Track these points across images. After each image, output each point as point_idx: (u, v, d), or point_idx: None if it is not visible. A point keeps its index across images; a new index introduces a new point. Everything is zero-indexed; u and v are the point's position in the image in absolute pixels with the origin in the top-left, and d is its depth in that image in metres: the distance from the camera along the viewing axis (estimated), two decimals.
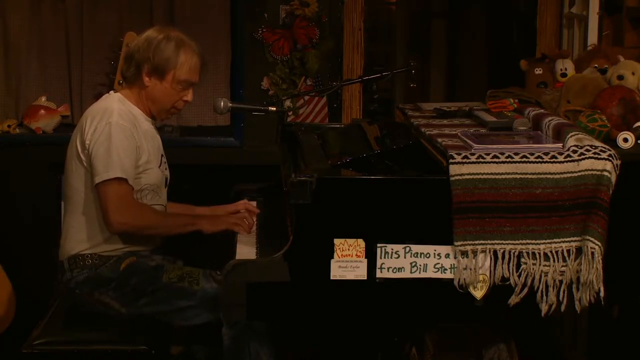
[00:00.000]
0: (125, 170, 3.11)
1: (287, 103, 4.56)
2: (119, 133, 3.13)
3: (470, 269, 2.78)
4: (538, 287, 2.80)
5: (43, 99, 4.58)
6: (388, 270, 2.80)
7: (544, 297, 2.81)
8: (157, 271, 3.21)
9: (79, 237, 3.22)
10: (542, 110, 3.31)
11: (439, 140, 3.00)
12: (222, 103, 3.44)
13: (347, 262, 2.78)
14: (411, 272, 2.80)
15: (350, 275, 2.79)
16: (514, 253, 2.79)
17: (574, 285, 2.81)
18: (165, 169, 3.37)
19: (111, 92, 3.34)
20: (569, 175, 2.78)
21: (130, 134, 3.16)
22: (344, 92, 4.66)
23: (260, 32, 4.64)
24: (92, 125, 3.16)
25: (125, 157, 3.12)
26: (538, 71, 3.75)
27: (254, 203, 3.61)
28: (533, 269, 2.79)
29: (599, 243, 2.76)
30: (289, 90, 4.61)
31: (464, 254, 2.78)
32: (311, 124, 4.42)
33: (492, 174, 2.77)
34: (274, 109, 3.50)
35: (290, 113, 4.59)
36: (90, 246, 3.21)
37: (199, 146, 4.59)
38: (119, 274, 3.19)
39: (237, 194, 3.76)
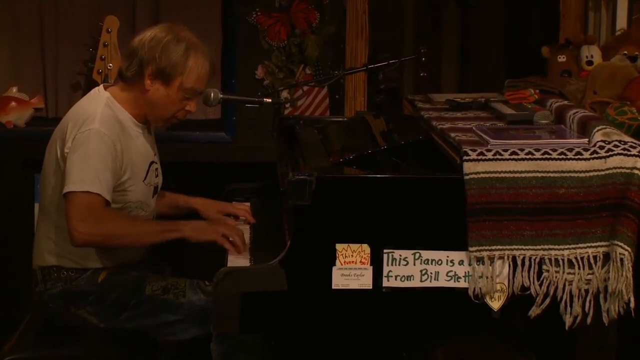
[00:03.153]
0: (101, 184, 3.06)
1: (284, 94, 4.55)
2: (98, 142, 3.08)
3: (487, 277, 2.79)
4: (561, 297, 2.80)
5: (14, 90, 4.57)
6: (396, 279, 2.80)
7: (568, 308, 2.81)
8: (139, 282, 3.20)
9: (54, 249, 3.21)
10: (565, 102, 3.31)
11: (452, 134, 3.00)
12: (212, 94, 3.44)
13: (351, 269, 2.78)
14: (421, 281, 2.80)
15: (354, 284, 2.79)
16: (534, 259, 2.79)
17: (602, 295, 2.81)
18: (156, 176, 3.34)
19: (101, 87, 3.30)
20: (595, 173, 2.78)
21: (112, 145, 3.11)
22: (346, 82, 4.65)
23: (254, 16, 4.63)
24: (72, 132, 3.12)
25: (103, 170, 3.07)
26: (561, 59, 3.75)
27: (248, 204, 3.61)
28: (556, 277, 2.79)
29: (628, 248, 2.76)
30: (286, 80, 4.61)
31: (480, 260, 2.78)
32: (311, 117, 4.41)
33: (510, 172, 2.78)
34: (270, 100, 3.50)
35: (287, 105, 4.59)
36: (67, 260, 3.20)
37: (186, 141, 4.58)
38: (97, 286, 3.18)
39: (229, 194, 3.76)
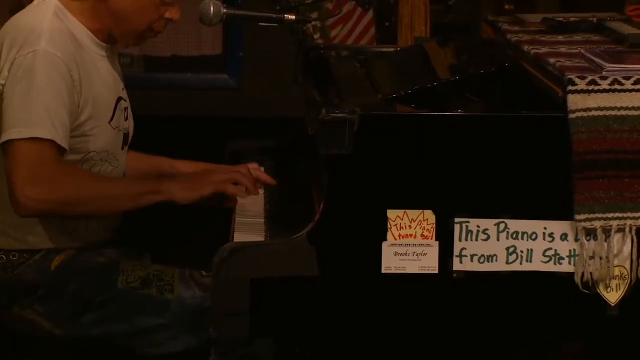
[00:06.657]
0: (55, 126, 3.07)
1: (313, 16, 4.55)
2: (48, 68, 3.09)
3: (601, 258, 2.80)
4: None
5: None
6: (472, 260, 2.82)
7: None
8: (109, 271, 3.23)
9: None
10: None
11: (551, 60, 3.00)
12: (211, 7, 3.44)
13: (408, 246, 2.80)
14: (507, 263, 2.82)
15: (412, 267, 2.81)
16: None
17: None
18: (125, 119, 3.37)
19: None
20: None
21: (66, 71, 3.13)
22: (401, 3, 4.65)
23: None
24: (9, 55, 3.14)
25: (56, 106, 3.08)
26: None
27: (261, 169, 3.62)
28: None
29: None
30: None
31: (591, 233, 2.80)
32: (350, 45, 4.41)
33: (635, 108, 2.78)
34: (293, 17, 3.48)
35: (316, 36, 4.59)
36: (5, 238, 3.23)
37: (176, 87, 4.62)
38: (49, 276, 3.21)
39: (232, 156, 3.79)
